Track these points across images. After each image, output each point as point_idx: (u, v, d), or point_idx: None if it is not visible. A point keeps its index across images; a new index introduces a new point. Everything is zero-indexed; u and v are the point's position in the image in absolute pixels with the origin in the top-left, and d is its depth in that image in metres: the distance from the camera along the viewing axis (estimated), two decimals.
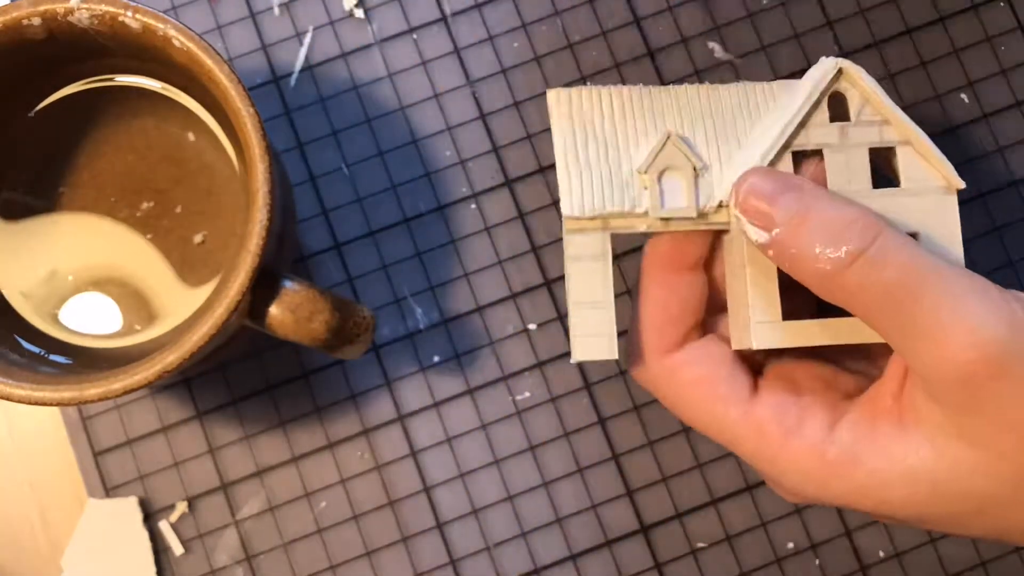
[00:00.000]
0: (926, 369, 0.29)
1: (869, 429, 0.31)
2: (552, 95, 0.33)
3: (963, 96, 0.43)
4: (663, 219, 0.33)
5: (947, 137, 0.43)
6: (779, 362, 0.35)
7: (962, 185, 0.33)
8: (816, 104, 0.33)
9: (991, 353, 0.28)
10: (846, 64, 0.33)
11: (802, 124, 0.33)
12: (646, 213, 0.33)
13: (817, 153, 0.33)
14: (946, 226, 0.33)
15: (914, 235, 0.33)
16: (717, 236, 0.34)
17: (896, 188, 0.33)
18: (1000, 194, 0.43)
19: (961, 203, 0.34)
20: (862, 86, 0.33)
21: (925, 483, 0.30)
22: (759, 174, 0.32)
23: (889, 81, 0.43)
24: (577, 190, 0.33)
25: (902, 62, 0.43)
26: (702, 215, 0.33)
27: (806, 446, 0.32)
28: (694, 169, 0.33)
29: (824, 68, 0.33)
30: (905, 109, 0.35)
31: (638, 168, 0.33)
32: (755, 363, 0.35)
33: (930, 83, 0.43)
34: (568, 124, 0.33)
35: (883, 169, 0.34)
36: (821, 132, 0.33)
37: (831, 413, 0.32)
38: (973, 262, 0.40)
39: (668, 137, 0.33)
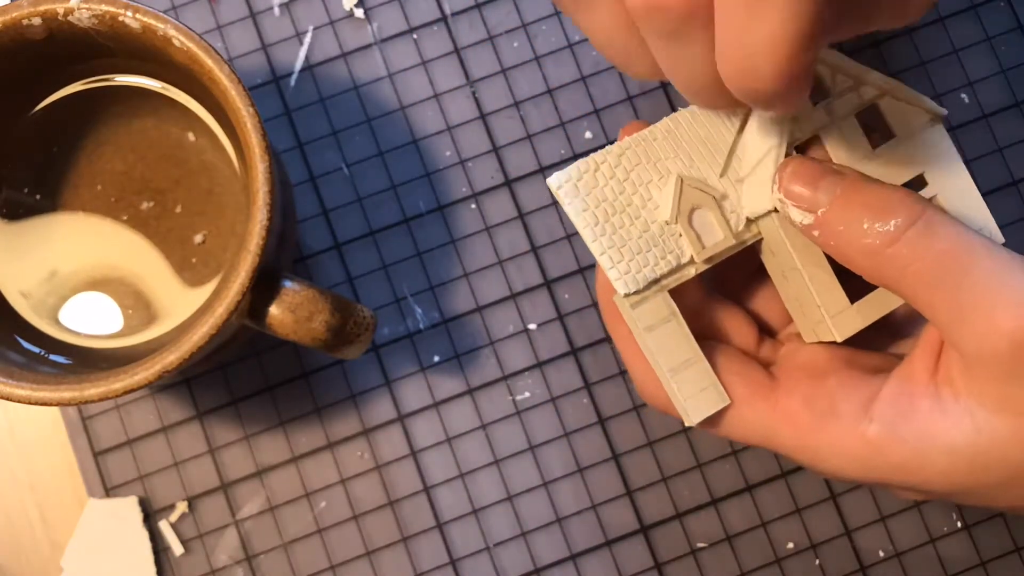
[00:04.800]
0: (973, 340, 0.30)
1: (908, 406, 0.31)
2: (553, 182, 0.33)
3: (963, 96, 0.43)
4: (708, 258, 0.33)
5: None
6: (792, 353, 0.35)
7: (944, 112, 0.34)
8: None
9: None
10: None
11: (794, 119, 0.33)
12: (692, 260, 0.33)
13: (815, 139, 0.33)
14: (944, 155, 0.34)
15: (920, 177, 0.33)
16: None
17: (892, 140, 0.33)
18: (1000, 194, 0.43)
19: None
20: (826, 59, 0.33)
21: (965, 456, 0.31)
22: (799, 160, 0.32)
23: None
24: (623, 267, 0.32)
25: (902, 62, 0.43)
26: (739, 238, 0.33)
27: (844, 427, 0.32)
28: (715, 200, 0.33)
29: None
30: None
31: (666, 220, 0.33)
32: (763, 359, 0.36)
33: (930, 83, 0.43)
34: (582, 205, 0.32)
35: (878, 127, 0.34)
36: (812, 118, 0.33)
37: (863, 390, 0.32)
38: None
39: (681, 181, 0.33)
